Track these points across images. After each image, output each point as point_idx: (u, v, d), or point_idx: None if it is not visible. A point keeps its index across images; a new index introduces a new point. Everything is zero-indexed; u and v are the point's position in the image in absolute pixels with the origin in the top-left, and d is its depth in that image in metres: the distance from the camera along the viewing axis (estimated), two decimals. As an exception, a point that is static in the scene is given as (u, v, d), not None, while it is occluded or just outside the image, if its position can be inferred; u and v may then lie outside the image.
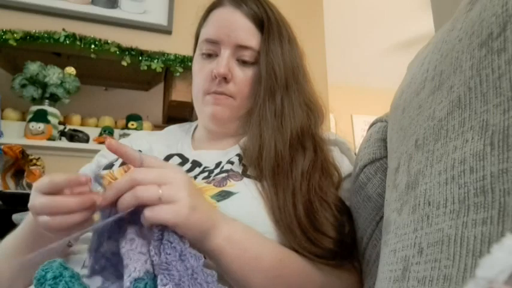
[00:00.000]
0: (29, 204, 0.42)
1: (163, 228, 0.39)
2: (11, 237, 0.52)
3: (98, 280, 0.40)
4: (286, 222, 0.53)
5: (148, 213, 0.39)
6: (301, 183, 0.56)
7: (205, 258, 0.41)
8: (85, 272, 0.41)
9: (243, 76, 0.63)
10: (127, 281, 0.36)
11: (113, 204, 0.40)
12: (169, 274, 0.36)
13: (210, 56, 0.65)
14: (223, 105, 0.63)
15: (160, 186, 0.40)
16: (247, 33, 0.63)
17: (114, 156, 0.65)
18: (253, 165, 0.59)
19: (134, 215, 0.40)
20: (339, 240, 0.54)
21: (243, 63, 0.64)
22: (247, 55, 0.63)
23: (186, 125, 0.78)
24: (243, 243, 0.48)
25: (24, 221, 0.50)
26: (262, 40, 0.63)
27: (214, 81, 0.63)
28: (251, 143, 0.60)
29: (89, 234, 0.51)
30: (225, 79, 0.62)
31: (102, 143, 1.86)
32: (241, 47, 0.63)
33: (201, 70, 0.66)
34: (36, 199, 0.41)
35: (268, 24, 0.64)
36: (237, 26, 0.63)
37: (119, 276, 0.39)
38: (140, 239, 0.39)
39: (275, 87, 0.62)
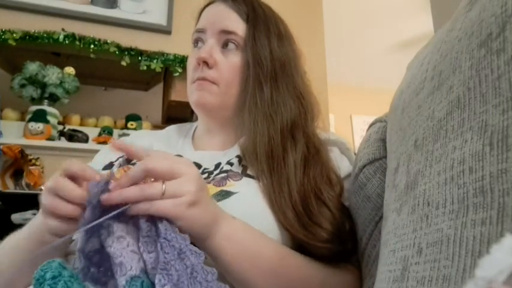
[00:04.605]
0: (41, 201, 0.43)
1: (153, 223, 0.39)
2: (14, 237, 0.52)
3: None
4: (280, 204, 0.53)
5: (146, 205, 0.39)
6: (295, 174, 0.57)
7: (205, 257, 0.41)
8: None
9: (225, 62, 0.64)
10: (122, 279, 0.36)
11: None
12: (168, 274, 0.35)
13: (198, 44, 0.67)
14: (206, 91, 0.63)
15: (169, 179, 0.41)
16: (232, 21, 0.65)
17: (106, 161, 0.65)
18: (249, 154, 0.59)
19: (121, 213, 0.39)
20: (334, 233, 0.54)
21: (227, 49, 0.65)
22: (231, 39, 0.64)
23: (186, 125, 0.78)
24: (242, 242, 0.48)
25: (31, 223, 0.50)
26: (247, 29, 0.65)
27: (198, 68, 0.64)
28: (246, 134, 0.61)
29: None
30: (207, 64, 0.63)
31: (101, 143, 1.86)
32: (225, 32, 0.64)
33: (190, 61, 0.67)
34: (45, 197, 0.42)
35: (254, 16, 0.66)
36: (221, 15, 0.66)
37: (100, 277, 0.38)
38: (129, 237, 0.39)
39: (262, 77, 0.63)
